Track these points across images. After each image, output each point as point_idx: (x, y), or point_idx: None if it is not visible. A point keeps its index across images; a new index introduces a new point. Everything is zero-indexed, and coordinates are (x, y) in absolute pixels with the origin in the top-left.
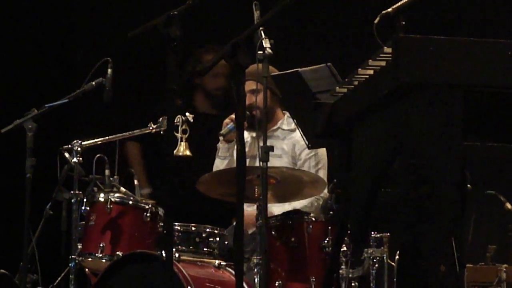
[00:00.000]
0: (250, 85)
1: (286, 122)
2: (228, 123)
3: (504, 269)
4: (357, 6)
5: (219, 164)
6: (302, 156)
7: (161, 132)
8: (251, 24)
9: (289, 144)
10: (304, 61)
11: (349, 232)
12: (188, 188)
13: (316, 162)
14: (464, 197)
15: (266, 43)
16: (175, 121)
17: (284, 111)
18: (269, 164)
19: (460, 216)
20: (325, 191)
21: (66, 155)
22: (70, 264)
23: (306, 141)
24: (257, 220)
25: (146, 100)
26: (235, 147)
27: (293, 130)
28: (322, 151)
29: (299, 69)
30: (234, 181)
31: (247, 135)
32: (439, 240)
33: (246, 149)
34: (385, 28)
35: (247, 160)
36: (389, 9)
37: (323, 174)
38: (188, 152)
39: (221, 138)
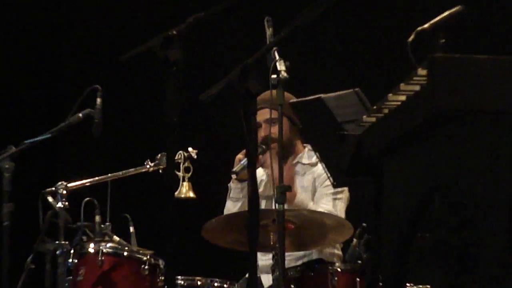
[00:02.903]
0: (264, 113)
1: (306, 155)
2: (241, 158)
3: None
4: (387, 22)
5: (231, 207)
6: (321, 184)
7: (160, 171)
8: (263, 43)
9: (309, 179)
10: (326, 86)
11: (380, 284)
12: (192, 236)
13: (335, 191)
14: None
15: (281, 66)
16: (176, 157)
17: (305, 144)
18: (286, 206)
19: (509, 266)
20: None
21: (50, 199)
22: None
23: (331, 179)
24: (273, 272)
25: (142, 134)
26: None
27: (314, 164)
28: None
29: (322, 95)
30: (246, 227)
31: (262, 173)
32: None
33: (260, 189)
34: (421, 47)
35: (262, 202)
36: (426, 25)
37: (340, 207)
38: (191, 194)
39: (233, 176)
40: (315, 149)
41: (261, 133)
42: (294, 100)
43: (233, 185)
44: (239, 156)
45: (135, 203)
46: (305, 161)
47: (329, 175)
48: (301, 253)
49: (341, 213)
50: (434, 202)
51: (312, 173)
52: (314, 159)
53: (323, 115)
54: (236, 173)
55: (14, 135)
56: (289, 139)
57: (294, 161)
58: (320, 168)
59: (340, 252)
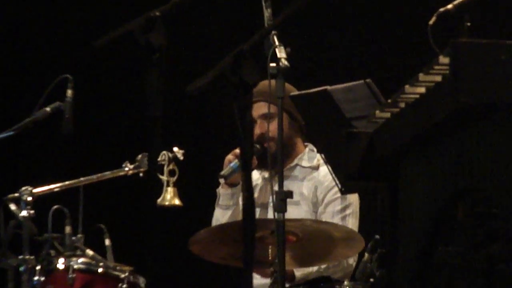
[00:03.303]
0: (260, 108)
1: (307, 157)
2: (231, 160)
3: None
4: (404, 1)
5: (220, 216)
6: (325, 198)
7: (141, 175)
8: (260, 26)
9: (309, 186)
10: (332, 77)
11: None
12: (178, 249)
13: (343, 206)
14: None
15: (281, 53)
16: (159, 159)
17: (306, 143)
18: (287, 216)
19: None
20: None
21: (12, 207)
22: None
23: (338, 184)
24: None
25: (120, 132)
26: (241, 193)
27: (315, 168)
28: (353, 195)
29: (328, 87)
30: (240, 239)
31: (257, 176)
32: None
33: (256, 195)
34: (444, 31)
35: (258, 210)
36: (449, 6)
37: (352, 224)
38: (177, 201)
39: (221, 181)
40: (319, 149)
41: (257, 130)
42: (296, 92)
43: (222, 190)
44: (229, 157)
45: (111, 212)
46: (305, 163)
47: (336, 180)
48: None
49: (354, 229)
50: (458, 210)
51: (313, 178)
52: (315, 161)
53: (329, 110)
54: (225, 177)
55: None
56: (289, 138)
57: (293, 164)
58: (322, 173)
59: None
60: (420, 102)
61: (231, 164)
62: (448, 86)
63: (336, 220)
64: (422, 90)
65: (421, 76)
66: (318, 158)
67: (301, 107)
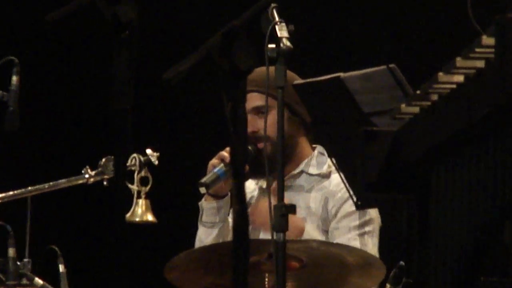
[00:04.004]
0: (253, 99)
1: (315, 162)
2: (215, 165)
3: None
4: None
5: (204, 236)
6: (339, 212)
7: (105, 183)
8: None
9: (318, 198)
10: (346, 62)
11: None
12: (151, 277)
13: (361, 222)
14: None
15: (283, 31)
16: (128, 163)
17: (314, 145)
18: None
19: None
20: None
21: None
22: None
23: (353, 196)
24: None
25: (79, 129)
26: (230, 206)
27: (325, 176)
28: (373, 210)
29: (342, 74)
30: (229, 265)
31: (253, 187)
32: None
33: (249, 210)
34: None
35: (251, 229)
36: None
37: (372, 245)
38: (150, 217)
39: (202, 190)
40: (329, 152)
41: (248, 128)
42: (300, 81)
43: (205, 204)
44: (213, 161)
45: (66, 230)
46: (313, 170)
47: (350, 191)
48: None
49: (374, 253)
50: (505, 230)
51: (323, 188)
52: (327, 167)
53: (342, 103)
54: (206, 185)
55: None
56: (290, 137)
57: (297, 170)
58: (335, 181)
59: None
60: (457, 93)
61: (215, 169)
62: (493, 73)
63: (352, 237)
64: (459, 78)
65: (459, 61)
66: (329, 164)
67: (307, 99)
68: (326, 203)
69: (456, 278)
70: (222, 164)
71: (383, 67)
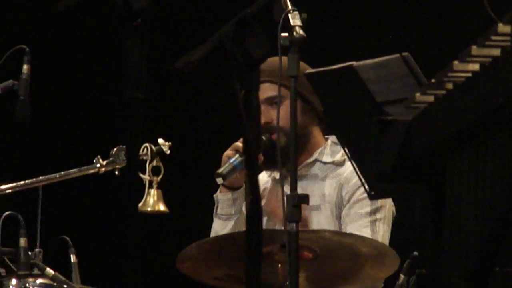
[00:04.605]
0: (266, 90)
1: (329, 151)
2: (230, 156)
3: None
4: None
5: (220, 228)
6: (352, 198)
7: (116, 173)
8: None
9: (332, 185)
10: (359, 51)
11: None
12: (163, 268)
13: (373, 208)
14: None
15: (296, 20)
16: (141, 153)
17: (327, 136)
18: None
19: None
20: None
21: None
22: None
23: (366, 186)
24: None
25: (90, 119)
26: (245, 198)
27: (339, 164)
28: (386, 199)
29: (355, 63)
30: (242, 256)
31: (266, 179)
32: None
33: (263, 201)
34: None
35: (264, 220)
36: None
37: (383, 231)
38: (162, 207)
39: (219, 181)
40: (342, 142)
41: (262, 118)
42: (311, 70)
43: (220, 196)
44: (228, 152)
45: (78, 220)
46: (327, 158)
47: (363, 180)
48: None
49: (385, 240)
50: None
51: (337, 176)
52: (341, 156)
53: (355, 92)
54: (223, 175)
55: None
56: (303, 127)
57: (311, 159)
58: (349, 169)
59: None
60: (473, 82)
61: (231, 160)
62: (509, 62)
63: (364, 223)
64: (475, 67)
65: (474, 49)
66: (343, 153)
67: (319, 88)
68: (340, 189)
69: (470, 268)
70: (237, 155)
71: (396, 55)
